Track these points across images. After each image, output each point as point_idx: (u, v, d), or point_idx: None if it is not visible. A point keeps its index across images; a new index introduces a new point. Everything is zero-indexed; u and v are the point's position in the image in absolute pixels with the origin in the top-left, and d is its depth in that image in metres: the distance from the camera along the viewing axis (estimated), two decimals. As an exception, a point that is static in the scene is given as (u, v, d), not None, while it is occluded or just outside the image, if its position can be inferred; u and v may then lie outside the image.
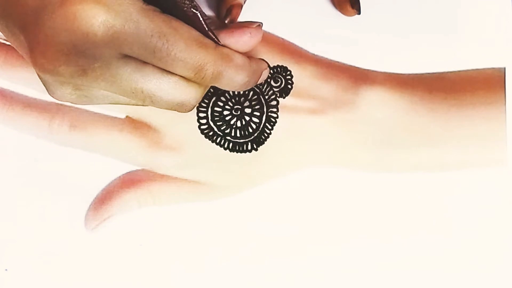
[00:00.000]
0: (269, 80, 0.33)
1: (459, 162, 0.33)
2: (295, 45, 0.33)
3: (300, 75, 0.33)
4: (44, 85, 0.26)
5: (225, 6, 0.32)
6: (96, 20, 0.22)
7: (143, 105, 0.27)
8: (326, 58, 0.33)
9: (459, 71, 0.34)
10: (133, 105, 0.27)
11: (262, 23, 0.28)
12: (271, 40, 0.33)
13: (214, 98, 0.32)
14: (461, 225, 0.34)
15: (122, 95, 0.26)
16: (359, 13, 0.32)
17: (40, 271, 0.33)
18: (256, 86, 0.33)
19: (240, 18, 0.33)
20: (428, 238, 0.34)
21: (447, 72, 0.34)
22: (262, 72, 0.29)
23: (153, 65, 0.25)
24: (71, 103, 0.26)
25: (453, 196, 0.34)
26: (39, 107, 0.32)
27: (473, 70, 0.34)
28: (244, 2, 0.32)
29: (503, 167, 0.33)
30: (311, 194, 0.34)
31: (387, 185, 0.34)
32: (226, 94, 0.32)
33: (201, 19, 0.25)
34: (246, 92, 0.33)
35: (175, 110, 0.27)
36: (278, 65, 0.33)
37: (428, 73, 0.34)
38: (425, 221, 0.34)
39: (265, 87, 0.33)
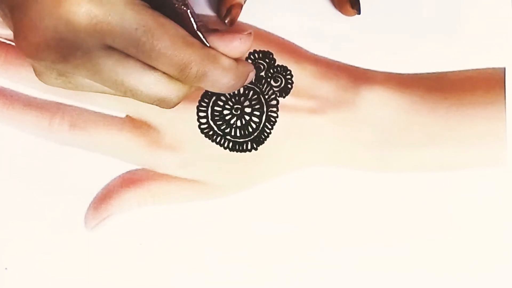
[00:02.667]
0: (269, 79, 0.33)
1: (459, 161, 0.33)
2: (295, 44, 0.33)
3: (300, 74, 0.33)
4: (33, 68, 0.26)
5: (225, 6, 0.32)
6: (80, 8, 0.23)
7: (125, 96, 0.27)
8: (326, 57, 0.33)
9: (459, 71, 0.34)
10: (119, 95, 0.27)
11: (253, 32, 0.28)
12: (271, 40, 0.33)
13: (214, 98, 0.32)
14: (461, 224, 0.34)
15: (104, 85, 0.26)
16: (359, 13, 0.32)
17: (40, 270, 0.33)
18: (256, 85, 0.33)
19: (240, 18, 0.33)
20: (428, 238, 0.34)
21: (447, 72, 0.34)
22: (248, 75, 0.29)
23: (136, 59, 0.25)
24: (60, 87, 0.26)
25: (453, 196, 0.34)
26: (39, 106, 0.32)
27: (473, 70, 0.34)
28: (244, 2, 0.32)
29: (503, 166, 0.33)
30: (311, 193, 0.34)
31: (387, 185, 0.34)
32: (226, 94, 0.32)
33: (190, 17, 0.25)
34: (246, 92, 0.33)
35: (156, 105, 0.27)
36: (278, 65, 0.33)
37: (428, 73, 0.34)
38: (425, 221, 0.34)
39: (265, 86, 0.33)
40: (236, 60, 0.28)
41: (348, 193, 0.34)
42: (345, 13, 0.33)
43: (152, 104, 0.26)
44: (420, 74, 0.34)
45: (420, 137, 0.33)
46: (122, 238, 0.33)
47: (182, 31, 0.25)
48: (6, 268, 0.33)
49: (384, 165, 0.33)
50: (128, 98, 0.27)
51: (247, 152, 0.33)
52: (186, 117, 0.32)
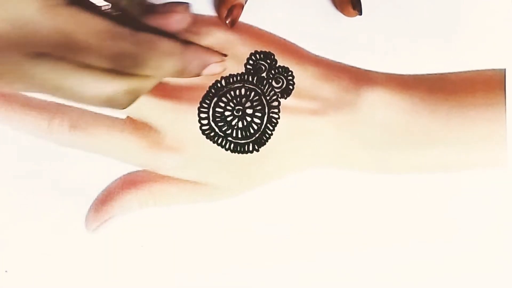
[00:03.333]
0: (270, 80, 0.33)
1: (459, 163, 0.33)
2: (296, 45, 0.33)
3: (302, 75, 0.33)
4: None
5: (226, 6, 0.32)
6: None
7: (75, 102, 0.26)
8: (328, 58, 0.33)
9: (460, 72, 0.34)
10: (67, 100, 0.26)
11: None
12: (272, 41, 0.33)
13: (215, 99, 0.32)
14: (462, 225, 0.34)
15: (46, 94, 0.25)
16: (360, 14, 0.32)
17: (41, 272, 0.33)
18: (258, 86, 0.33)
19: (241, 19, 0.33)
20: (429, 239, 0.34)
21: (448, 73, 0.34)
22: (205, 64, 0.28)
23: (69, 60, 0.24)
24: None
25: (454, 197, 0.34)
26: (39, 107, 0.32)
27: (473, 71, 0.34)
28: (245, 3, 0.32)
29: (503, 168, 0.34)
30: (313, 195, 0.34)
31: (388, 186, 0.34)
32: (228, 95, 0.32)
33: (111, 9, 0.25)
34: (248, 93, 0.32)
35: (110, 107, 0.26)
36: (279, 66, 0.33)
37: (429, 74, 0.34)
38: (426, 222, 0.34)
39: (266, 87, 0.33)
40: (190, 45, 0.27)
41: (350, 194, 0.34)
42: (346, 14, 0.33)
43: (103, 106, 0.26)
44: (422, 75, 0.34)
45: (421, 138, 0.33)
46: (123, 240, 0.33)
47: (105, 23, 0.24)
48: (6, 271, 0.33)
49: (385, 166, 0.33)
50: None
51: (249, 154, 0.33)
52: (187, 118, 0.32)
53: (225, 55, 0.30)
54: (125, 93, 0.26)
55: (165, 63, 0.26)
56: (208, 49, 0.28)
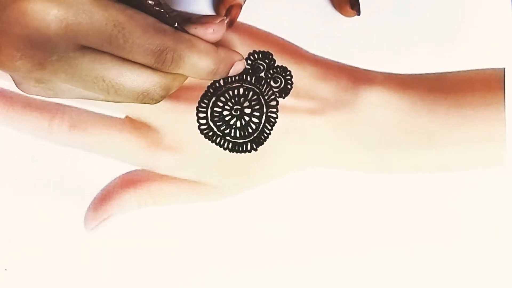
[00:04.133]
0: (268, 80, 0.33)
1: (458, 162, 0.33)
2: (295, 45, 0.33)
3: (300, 75, 0.33)
4: (12, 79, 0.26)
5: (224, 6, 0.32)
6: (48, 14, 0.23)
7: (108, 99, 0.27)
8: (326, 58, 0.33)
9: (459, 71, 0.34)
10: (102, 100, 0.27)
11: (226, 18, 0.28)
12: (271, 40, 0.33)
13: (214, 99, 0.32)
14: (461, 225, 0.34)
15: (85, 88, 0.26)
16: (358, 14, 0.32)
17: (40, 271, 0.33)
18: (256, 86, 0.33)
19: (240, 18, 0.33)
20: (428, 239, 0.34)
21: (447, 72, 0.34)
22: (233, 63, 0.29)
23: (112, 54, 0.25)
24: (40, 95, 0.27)
25: (453, 197, 0.34)
26: (39, 107, 0.32)
27: (472, 70, 0.34)
28: (244, 2, 0.32)
29: (502, 167, 0.33)
30: (311, 194, 0.34)
31: (387, 186, 0.34)
32: (226, 95, 0.32)
33: (165, 15, 0.26)
34: (246, 93, 0.33)
35: (143, 102, 0.27)
36: (277, 65, 0.33)
37: (428, 74, 0.34)
38: (425, 222, 0.34)
39: (264, 87, 0.33)
40: (218, 45, 0.28)
41: (348, 194, 0.34)
42: (344, 14, 0.33)
43: (137, 101, 0.27)
44: (420, 74, 0.34)
45: (420, 138, 0.33)
46: (122, 239, 0.33)
47: (151, 19, 0.25)
48: (5, 269, 0.33)
49: (383, 166, 0.33)
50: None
51: (247, 153, 0.33)
52: (186, 118, 0.32)
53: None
54: (160, 88, 0.27)
55: (200, 63, 0.27)
56: (232, 49, 0.30)
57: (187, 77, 0.28)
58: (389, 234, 0.34)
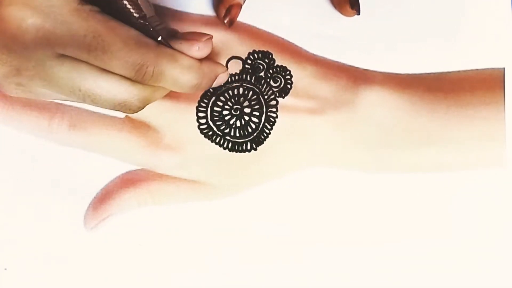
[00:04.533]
0: (268, 80, 0.33)
1: (458, 162, 0.33)
2: (295, 45, 0.33)
3: (300, 75, 0.33)
4: None
5: (224, 6, 0.32)
6: (24, 22, 0.23)
7: (85, 103, 0.27)
8: (326, 58, 0.33)
9: (459, 71, 0.34)
10: (81, 102, 0.27)
11: (212, 36, 0.28)
12: (270, 40, 0.33)
13: (213, 98, 0.32)
14: (460, 225, 0.34)
15: (62, 94, 0.26)
16: (358, 13, 0.32)
17: (39, 270, 0.33)
18: (256, 86, 0.33)
19: (240, 18, 0.33)
20: (428, 239, 0.34)
21: (447, 72, 0.34)
22: (216, 76, 0.29)
23: (91, 64, 0.25)
24: (22, 97, 0.27)
25: (452, 196, 0.34)
26: (39, 107, 0.32)
27: (472, 70, 0.34)
28: (244, 2, 0.32)
29: (502, 167, 0.33)
30: (310, 194, 0.34)
31: (386, 185, 0.34)
32: (226, 94, 0.32)
33: (150, 28, 0.25)
34: (246, 92, 0.33)
35: (120, 111, 0.27)
36: (277, 65, 0.33)
37: (428, 73, 0.34)
38: (425, 222, 0.34)
39: (264, 87, 0.33)
40: (202, 60, 0.28)
41: (347, 193, 0.34)
42: (344, 14, 0.33)
43: (113, 109, 0.26)
44: (420, 74, 0.34)
45: (420, 137, 0.33)
46: (121, 238, 0.33)
47: (134, 32, 0.25)
48: (5, 269, 0.33)
49: (383, 166, 0.33)
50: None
51: (247, 153, 0.33)
52: (186, 117, 0.32)
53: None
54: (138, 101, 0.27)
55: (182, 77, 0.27)
56: (215, 62, 0.29)
57: (173, 89, 0.28)
58: (389, 233, 0.34)
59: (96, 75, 0.25)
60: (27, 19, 0.23)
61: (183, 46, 0.27)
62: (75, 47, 0.24)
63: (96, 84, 0.25)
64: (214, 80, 0.29)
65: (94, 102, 0.26)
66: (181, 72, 0.26)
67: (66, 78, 0.25)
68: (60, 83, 0.25)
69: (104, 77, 0.25)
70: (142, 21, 0.25)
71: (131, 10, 0.25)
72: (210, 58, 0.29)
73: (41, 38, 0.23)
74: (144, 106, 0.27)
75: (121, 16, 0.25)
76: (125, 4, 0.25)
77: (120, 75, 0.25)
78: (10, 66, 0.24)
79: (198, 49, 0.27)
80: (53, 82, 0.25)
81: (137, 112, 0.27)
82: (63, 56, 0.24)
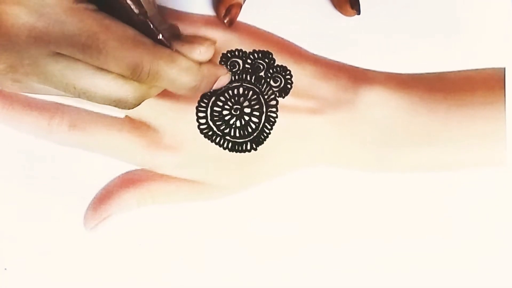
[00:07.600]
0: (268, 79, 0.33)
1: (458, 161, 0.33)
2: (295, 44, 0.33)
3: (300, 74, 0.33)
4: None
5: (224, 6, 0.32)
6: (17, 21, 0.23)
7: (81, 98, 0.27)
8: (326, 58, 0.33)
9: (459, 71, 0.34)
10: (76, 98, 0.27)
11: (216, 41, 0.28)
12: (270, 40, 0.33)
13: (213, 98, 0.32)
14: (461, 225, 0.34)
15: (58, 90, 0.26)
16: (358, 13, 0.32)
17: (39, 270, 0.33)
18: (256, 85, 0.33)
19: (240, 18, 0.33)
20: (428, 238, 0.34)
21: (447, 72, 0.34)
22: (216, 78, 0.29)
23: (86, 63, 0.25)
24: (18, 92, 0.27)
25: (453, 196, 0.34)
26: (39, 107, 0.32)
27: (472, 70, 0.34)
28: (244, 2, 0.32)
29: (503, 166, 0.33)
30: (310, 193, 0.34)
31: (387, 185, 0.34)
32: (226, 94, 0.32)
33: (151, 26, 0.25)
34: (246, 92, 0.33)
35: (115, 107, 0.27)
36: (277, 65, 0.33)
37: (428, 73, 0.34)
38: (425, 221, 0.34)
39: (264, 86, 0.33)
40: (203, 62, 0.28)
41: (347, 193, 0.34)
42: (344, 13, 0.33)
43: (109, 105, 0.27)
44: (420, 74, 0.34)
45: (420, 137, 0.33)
46: (121, 238, 0.33)
47: (130, 31, 0.25)
48: (5, 269, 0.33)
49: (383, 165, 0.33)
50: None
51: (247, 153, 0.33)
52: (185, 117, 0.32)
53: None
54: (134, 98, 0.27)
55: (180, 79, 0.27)
56: (216, 64, 0.29)
57: (169, 89, 0.28)
58: (389, 233, 0.34)
59: (91, 74, 0.25)
60: (19, 19, 0.23)
61: (184, 48, 0.27)
62: (70, 46, 0.24)
63: (91, 82, 0.25)
64: (215, 83, 0.29)
65: (89, 98, 0.26)
66: (179, 73, 0.26)
67: (60, 76, 0.25)
68: (55, 81, 0.25)
69: (100, 75, 0.25)
70: (142, 18, 0.25)
71: (131, 6, 0.25)
72: (211, 60, 0.29)
73: (35, 37, 0.23)
74: (140, 103, 0.27)
75: (121, 13, 0.25)
76: (125, 0, 0.25)
77: (116, 74, 0.25)
78: (5, 63, 0.24)
79: (200, 53, 0.27)
80: (48, 79, 0.25)
81: (132, 108, 0.27)
82: (58, 54, 0.24)
